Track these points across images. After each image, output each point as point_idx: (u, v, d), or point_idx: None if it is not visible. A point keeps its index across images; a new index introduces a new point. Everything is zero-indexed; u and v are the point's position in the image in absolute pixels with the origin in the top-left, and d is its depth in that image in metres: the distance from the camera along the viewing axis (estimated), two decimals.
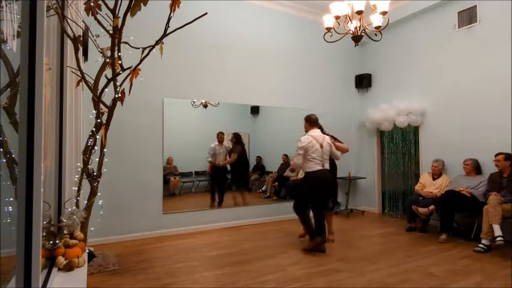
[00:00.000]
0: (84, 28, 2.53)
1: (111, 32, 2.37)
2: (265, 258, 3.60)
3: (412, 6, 5.42)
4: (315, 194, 3.80)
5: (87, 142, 2.62)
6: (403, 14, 5.55)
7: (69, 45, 2.43)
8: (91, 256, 3.32)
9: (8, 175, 1.93)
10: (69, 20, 2.31)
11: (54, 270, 1.96)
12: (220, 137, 5.24)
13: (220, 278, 3.06)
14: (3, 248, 1.63)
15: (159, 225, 4.55)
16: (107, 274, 3.11)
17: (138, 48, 2.50)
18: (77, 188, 2.49)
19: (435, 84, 5.23)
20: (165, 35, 2.45)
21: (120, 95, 2.57)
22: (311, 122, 3.96)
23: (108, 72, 2.58)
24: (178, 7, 2.31)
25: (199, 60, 4.90)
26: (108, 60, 2.50)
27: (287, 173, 5.08)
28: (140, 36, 2.80)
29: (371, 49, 6.26)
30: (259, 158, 5.82)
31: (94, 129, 2.60)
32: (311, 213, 3.98)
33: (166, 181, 4.74)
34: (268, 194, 5.75)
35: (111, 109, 2.64)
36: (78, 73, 2.43)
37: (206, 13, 2.47)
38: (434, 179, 4.85)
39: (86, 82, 2.49)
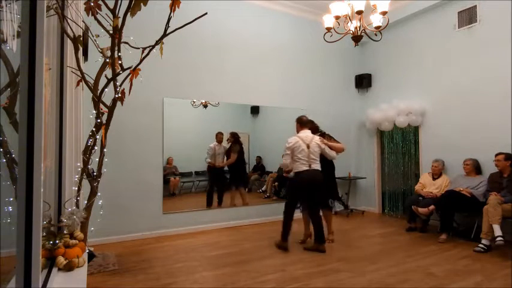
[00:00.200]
0: (84, 28, 2.53)
1: (111, 32, 2.37)
2: (265, 258, 3.60)
3: (412, 6, 5.42)
4: (300, 195, 3.84)
5: (87, 142, 2.61)
6: (403, 14, 5.56)
7: (69, 45, 2.43)
8: (91, 256, 3.32)
9: (8, 175, 1.93)
10: (69, 20, 2.31)
11: (54, 270, 1.96)
12: (219, 137, 5.23)
13: (220, 278, 3.06)
14: (3, 248, 1.63)
15: (159, 225, 4.55)
16: (107, 274, 3.11)
17: (138, 48, 2.50)
18: (77, 188, 2.49)
19: (435, 84, 5.23)
20: (165, 35, 2.44)
21: (120, 95, 2.57)
22: (301, 123, 4.00)
23: (108, 72, 2.58)
24: (178, 7, 2.30)
25: (199, 60, 4.90)
26: (108, 60, 2.50)
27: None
28: (140, 36, 2.80)
29: (371, 49, 6.26)
30: (259, 158, 5.82)
31: (94, 129, 2.60)
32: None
33: (166, 181, 4.74)
34: (268, 194, 5.75)
35: (111, 109, 2.64)
36: (78, 73, 2.43)
37: (206, 13, 2.47)
38: (434, 179, 4.85)
39: (86, 82, 2.49)
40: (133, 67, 2.51)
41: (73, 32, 2.37)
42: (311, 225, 3.94)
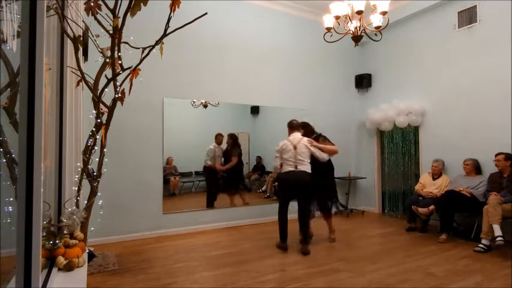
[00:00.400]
0: (84, 28, 2.53)
1: (111, 32, 2.37)
2: (265, 258, 3.60)
3: (412, 6, 5.42)
4: (286, 195, 3.92)
5: (87, 142, 2.61)
6: (403, 14, 5.56)
7: (69, 45, 2.43)
8: (91, 256, 3.32)
9: (8, 175, 1.93)
10: (69, 20, 2.31)
11: (54, 270, 1.96)
12: (219, 139, 5.22)
13: (220, 278, 3.06)
14: (3, 248, 1.63)
15: (159, 225, 4.55)
16: (107, 274, 3.11)
17: (138, 48, 2.50)
18: (77, 188, 2.49)
19: (435, 84, 5.23)
20: (165, 35, 2.44)
21: (120, 95, 2.57)
22: (291, 126, 4.08)
23: (108, 72, 2.58)
24: (178, 7, 2.30)
25: (199, 60, 4.90)
26: (108, 60, 2.50)
27: None
28: (140, 36, 2.80)
29: (371, 49, 6.26)
30: (259, 158, 5.82)
31: (94, 129, 2.60)
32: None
33: (166, 181, 4.74)
34: (268, 194, 5.75)
35: (111, 109, 2.64)
36: (78, 73, 2.43)
37: (206, 13, 2.47)
38: (434, 179, 4.85)
39: (86, 82, 2.49)
40: (133, 67, 2.51)
41: (73, 32, 2.37)
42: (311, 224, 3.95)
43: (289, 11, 5.70)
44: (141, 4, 2.31)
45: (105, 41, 2.48)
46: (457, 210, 4.31)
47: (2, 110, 2.01)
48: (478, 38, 4.66)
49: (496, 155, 4.17)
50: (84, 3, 2.35)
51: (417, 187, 4.94)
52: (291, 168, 3.81)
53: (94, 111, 2.63)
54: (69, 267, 1.99)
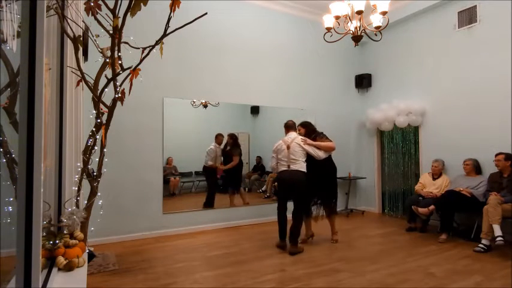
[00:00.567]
0: (84, 28, 2.52)
1: (111, 32, 2.37)
2: (265, 258, 3.60)
3: (412, 6, 5.42)
4: (281, 195, 3.96)
5: (87, 142, 2.61)
6: (403, 14, 5.56)
7: (69, 45, 2.43)
8: (91, 256, 3.32)
9: (8, 175, 1.93)
10: (69, 20, 2.31)
11: (54, 270, 1.96)
12: (219, 139, 5.22)
13: (220, 278, 3.06)
14: (3, 248, 1.63)
15: (159, 225, 4.55)
16: (107, 274, 3.11)
17: (138, 48, 2.50)
18: (77, 188, 2.49)
19: (435, 84, 5.23)
20: (165, 35, 2.44)
21: (120, 95, 2.57)
22: (287, 126, 4.13)
23: (108, 72, 2.58)
24: (178, 7, 2.30)
25: (199, 60, 4.90)
26: (108, 60, 2.50)
27: None
28: (140, 36, 2.80)
29: (371, 49, 6.26)
30: (259, 158, 5.82)
31: (94, 129, 2.60)
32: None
33: (166, 181, 4.74)
34: (268, 194, 5.75)
35: (111, 109, 2.64)
36: (78, 73, 2.43)
37: (206, 13, 2.47)
38: (434, 179, 4.85)
39: (86, 82, 2.49)
40: (133, 67, 2.51)
41: (73, 32, 2.37)
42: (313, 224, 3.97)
43: (289, 11, 5.70)
44: (141, 4, 2.31)
45: (105, 41, 2.47)
46: (457, 210, 4.31)
47: (2, 110, 2.01)
48: (478, 38, 4.66)
49: (496, 155, 4.17)
50: (84, 3, 2.35)
51: (417, 187, 4.94)
52: (284, 168, 3.88)
53: (94, 111, 2.63)
54: (69, 267, 1.99)
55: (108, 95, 2.64)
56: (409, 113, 5.34)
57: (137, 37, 2.67)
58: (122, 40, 2.47)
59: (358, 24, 3.47)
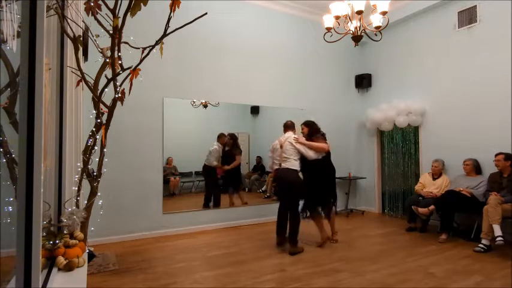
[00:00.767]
0: (84, 28, 2.52)
1: (111, 32, 2.37)
2: (266, 258, 3.60)
3: (412, 6, 5.42)
4: (277, 193, 4.10)
5: (87, 142, 2.61)
6: (403, 14, 5.56)
7: (69, 45, 2.43)
8: (91, 256, 3.32)
9: (8, 175, 1.93)
10: (69, 20, 2.31)
11: (54, 270, 1.96)
12: (223, 139, 5.23)
13: (220, 278, 3.06)
14: (3, 248, 1.63)
15: (159, 225, 4.55)
16: (107, 274, 3.11)
17: (138, 48, 2.50)
18: (77, 188, 2.49)
19: (435, 84, 5.23)
20: (165, 35, 2.44)
21: (120, 95, 2.57)
22: (285, 127, 4.18)
23: (108, 72, 2.57)
24: (178, 7, 2.30)
25: (199, 60, 4.90)
26: (108, 60, 2.50)
27: None
28: (140, 36, 2.80)
29: (371, 49, 6.26)
30: (259, 158, 5.82)
31: (94, 129, 2.60)
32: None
33: (166, 181, 4.74)
34: (268, 194, 5.75)
35: (111, 109, 2.63)
36: (78, 73, 2.43)
37: (206, 13, 2.47)
38: (434, 179, 4.85)
39: (86, 82, 2.48)
40: (133, 67, 2.51)
41: (73, 32, 2.37)
42: (326, 226, 4.02)
43: (289, 11, 5.70)
44: (141, 4, 2.30)
45: (105, 41, 2.47)
46: (457, 210, 4.31)
47: (2, 110, 2.01)
48: (478, 38, 4.66)
49: (496, 155, 4.17)
50: (84, 3, 2.35)
51: (417, 187, 4.94)
52: (276, 167, 3.98)
53: (94, 111, 2.63)
54: (69, 267, 1.99)
55: (108, 95, 2.64)
56: (409, 113, 5.34)
57: (137, 37, 2.67)
58: (122, 40, 2.46)
59: (358, 24, 3.47)
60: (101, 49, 2.60)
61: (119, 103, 2.60)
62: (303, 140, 3.96)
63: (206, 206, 5.08)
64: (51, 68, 2.34)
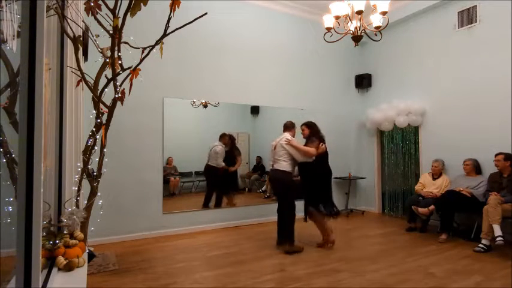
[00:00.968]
0: (84, 28, 2.52)
1: (111, 32, 2.37)
2: (265, 258, 3.60)
3: (412, 6, 5.42)
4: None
5: (87, 142, 2.61)
6: (403, 14, 5.56)
7: (69, 45, 2.43)
8: (91, 256, 3.32)
9: (8, 175, 1.93)
10: (69, 20, 2.31)
11: (54, 270, 1.96)
12: (225, 139, 5.23)
13: (220, 278, 3.06)
14: (3, 248, 1.63)
15: (159, 225, 4.55)
16: (107, 274, 3.11)
17: (138, 48, 2.50)
18: (77, 188, 2.49)
19: (435, 84, 5.23)
20: (165, 35, 2.44)
21: (120, 95, 2.57)
22: (284, 127, 4.18)
23: (108, 72, 2.58)
24: (178, 7, 2.30)
25: (199, 60, 4.90)
26: (108, 60, 2.50)
27: None
28: (140, 36, 2.80)
29: (371, 49, 6.26)
30: (259, 158, 5.82)
31: (94, 129, 2.60)
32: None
33: (166, 181, 4.74)
34: (268, 194, 5.75)
35: (111, 109, 2.63)
36: (78, 73, 2.43)
37: (206, 13, 2.47)
38: (434, 179, 4.85)
39: (86, 82, 2.48)
40: (133, 67, 2.51)
41: (73, 32, 2.37)
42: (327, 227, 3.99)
43: (289, 11, 5.70)
44: (141, 4, 2.30)
45: (105, 41, 2.47)
46: (457, 210, 4.31)
47: (2, 110, 2.01)
48: (478, 38, 4.66)
49: (496, 155, 4.17)
50: (84, 3, 2.35)
51: (417, 187, 4.94)
52: (270, 167, 4.08)
53: (94, 111, 2.63)
54: (69, 267, 1.99)
55: (108, 95, 2.64)
56: (409, 113, 5.34)
57: (137, 37, 2.67)
58: (122, 40, 2.47)
59: (358, 24, 3.47)
60: (101, 49, 2.60)
61: (119, 103, 2.60)
62: (294, 142, 3.92)
63: (206, 206, 5.08)
64: (51, 68, 2.34)
